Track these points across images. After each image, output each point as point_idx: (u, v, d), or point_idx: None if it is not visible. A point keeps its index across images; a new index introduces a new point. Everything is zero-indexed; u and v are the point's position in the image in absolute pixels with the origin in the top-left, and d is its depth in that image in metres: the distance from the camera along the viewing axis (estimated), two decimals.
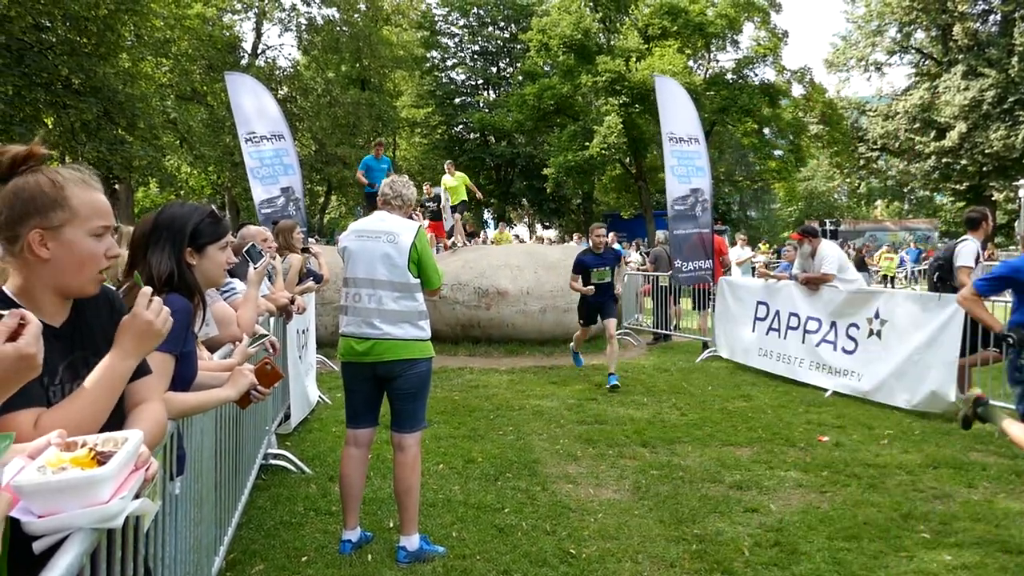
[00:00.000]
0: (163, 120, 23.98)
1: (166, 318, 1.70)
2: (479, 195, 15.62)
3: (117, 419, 1.80)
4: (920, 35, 39.44)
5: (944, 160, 36.80)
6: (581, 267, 8.77)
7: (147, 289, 1.70)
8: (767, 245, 35.59)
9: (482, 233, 23.55)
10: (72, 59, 17.73)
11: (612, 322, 8.80)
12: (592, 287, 8.66)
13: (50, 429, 1.45)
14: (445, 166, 14.52)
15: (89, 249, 1.65)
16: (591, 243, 8.95)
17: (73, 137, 18.06)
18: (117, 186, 21.71)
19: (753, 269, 15.57)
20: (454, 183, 13.88)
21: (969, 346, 6.82)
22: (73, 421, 1.50)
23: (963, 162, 35.91)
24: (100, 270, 1.68)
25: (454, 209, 13.81)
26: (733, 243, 18.29)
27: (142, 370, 1.87)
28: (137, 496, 1.38)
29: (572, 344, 9.55)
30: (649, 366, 10.07)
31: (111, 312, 1.83)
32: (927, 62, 39.47)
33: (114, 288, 2.05)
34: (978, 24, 36.64)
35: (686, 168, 11.01)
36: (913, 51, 39.96)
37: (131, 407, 1.82)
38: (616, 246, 16.14)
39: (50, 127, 18.69)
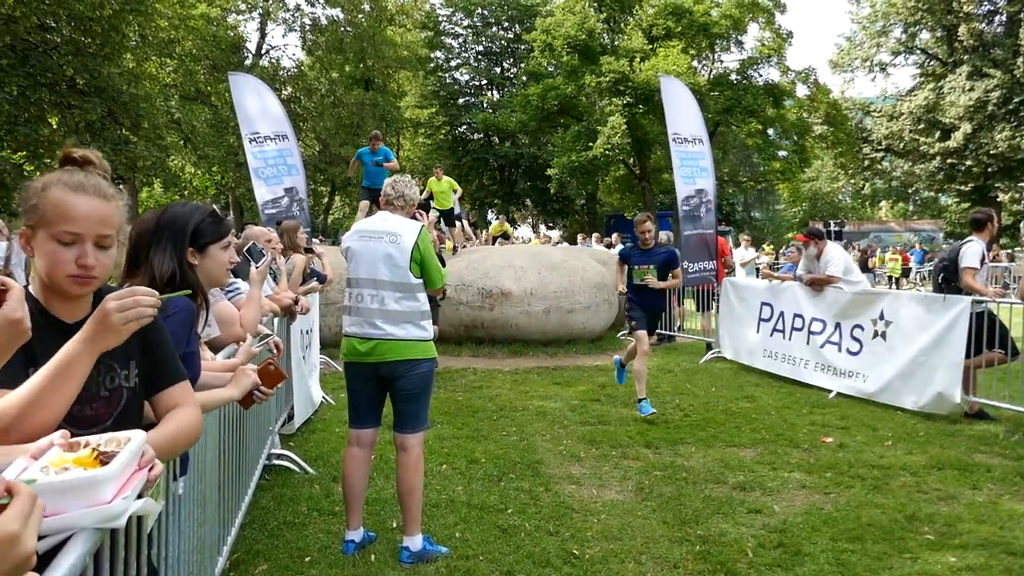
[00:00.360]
0: (167, 120, 24.06)
1: (129, 318, 1.55)
2: (457, 207, 15.25)
3: (133, 421, 1.80)
4: (925, 36, 39.38)
5: (949, 161, 36.73)
6: (623, 259, 7.70)
7: (139, 288, 1.61)
8: (771, 246, 35.55)
9: (483, 233, 23.51)
10: (77, 59, 17.78)
11: (645, 336, 7.39)
12: (638, 284, 7.42)
13: None
14: (434, 170, 14.55)
15: (49, 253, 1.62)
16: (639, 239, 7.59)
17: (77, 137, 18.08)
18: (122, 186, 21.77)
19: (757, 270, 15.53)
20: (441, 187, 13.76)
21: (974, 348, 6.81)
22: (13, 407, 1.46)
23: (968, 163, 35.83)
24: (68, 275, 1.62)
25: (449, 220, 13.77)
26: (737, 244, 18.26)
27: (177, 376, 1.87)
28: (140, 496, 1.38)
29: (622, 357, 7.98)
30: (653, 367, 10.04)
31: None
32: (932, 63, 39.40)
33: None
34: (983, 25, 36.58)
35: (690, 169, 11.03)
36: (918, 52, 39.90)
37: (162, 412, 1.82)
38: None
39: (55, 127, 18.74)
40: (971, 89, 34.83)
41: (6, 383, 1.52)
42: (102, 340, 1.55)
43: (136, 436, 1.43)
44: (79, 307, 1.73)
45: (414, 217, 4.33)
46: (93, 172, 1.72)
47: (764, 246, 33.38)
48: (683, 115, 11.21)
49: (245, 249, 3.98)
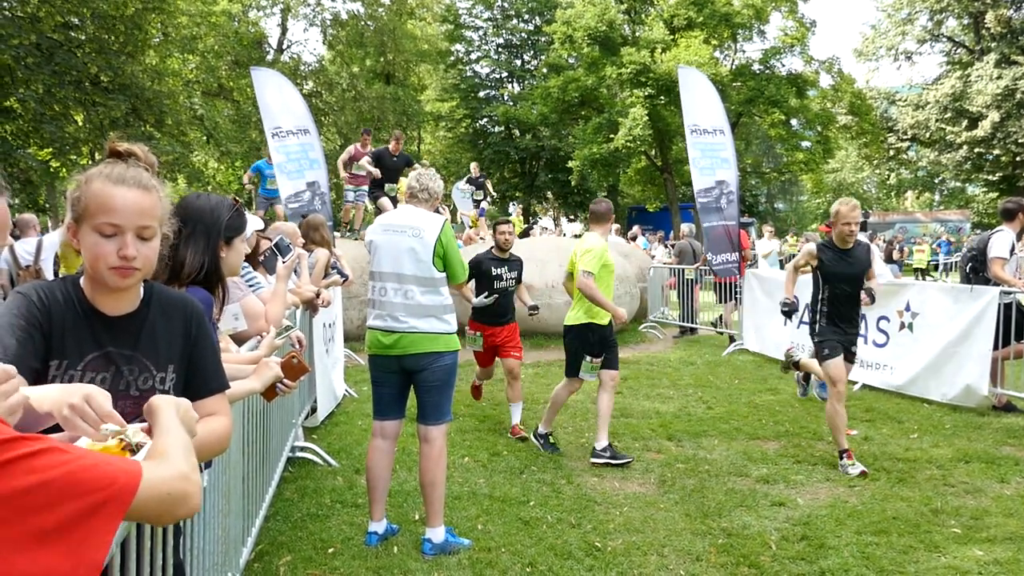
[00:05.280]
0: (190, 116, 24.27)
1: None
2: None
3: None
4: (952, 23, 38.71)
5: (976, 150, 36.11)
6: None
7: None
8: (795, 237, 35.17)
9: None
10: (101, 57, 17.99)
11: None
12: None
13: None
14: None
15: (91, 244, 1.64)
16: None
17: (102, 134, 18.29)
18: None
19: (781, 263, 15.40)
20: None
21: (1002, 339, 6.71)
22: None
23: (996, 152, 35.24)
24: (110, 267, 1.63)
25: None
26: (760, 235, 18.11)
27: (217, 386, 1.88)
28: None
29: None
30: (675, 359, 10.01)
31: (184, 325, 1.82)
32: (959, 51, 38.75)
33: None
34: (1012, 11, 35.85)
35: (710, 160, 10.92)
36: (944, 40, 39.23)
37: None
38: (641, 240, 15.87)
39: (80, 124, 18.98)
40: (999, 77, 34.19)
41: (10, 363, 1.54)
42: None
43: None
44: (124, 300, 1.74)
45: (437, 211, 4.33)
46: (136, 165, 1.74)
47: (788, 237, 33.05)
48: (703, 106, 11.10)
49: (273, 243, 4.00)
